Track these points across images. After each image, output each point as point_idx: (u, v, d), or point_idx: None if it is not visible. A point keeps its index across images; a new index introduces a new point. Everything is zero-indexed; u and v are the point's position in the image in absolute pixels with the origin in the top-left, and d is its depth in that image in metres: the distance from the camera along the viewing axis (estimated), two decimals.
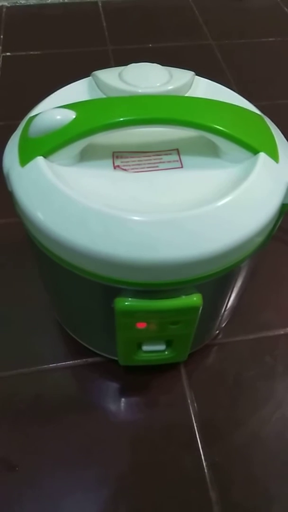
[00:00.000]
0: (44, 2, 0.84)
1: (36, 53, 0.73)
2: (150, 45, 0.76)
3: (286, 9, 0.86)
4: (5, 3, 0.83)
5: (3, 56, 0.72)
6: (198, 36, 0.78)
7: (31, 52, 0.73)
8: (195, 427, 0.35)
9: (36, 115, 0.26)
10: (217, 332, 0.40)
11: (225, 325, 0.40)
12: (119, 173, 0.27)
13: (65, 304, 0.34)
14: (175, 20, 0.82)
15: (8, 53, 0.72)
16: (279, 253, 0.47)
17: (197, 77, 0.31)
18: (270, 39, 0.79)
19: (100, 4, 0.85)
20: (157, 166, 0.27)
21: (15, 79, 0.68)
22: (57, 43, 0.75)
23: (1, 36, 0.76)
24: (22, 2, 0.84)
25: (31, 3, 0.84)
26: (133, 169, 0.27)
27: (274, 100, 0.66)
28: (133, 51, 0.74)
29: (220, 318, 0.36)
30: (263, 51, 0.76)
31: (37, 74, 0.68)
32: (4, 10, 0.82)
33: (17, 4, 0.84)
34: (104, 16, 0.82)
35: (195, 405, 0.36)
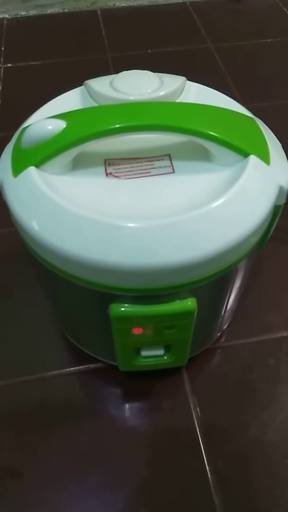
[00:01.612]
0: (44, 12, 0.86)
1: (36, 63, 0.74)
2: (149, 51, 0.76)
3: (286, 9, 0.86)
4: (6, 15, 0.84)
5: (4, 67, 0.73)
6: (197, 39, 0.78)
7: (32, 63, 0.74)
8: (198, 431, 0.35)
9: (28, 126, 0.27)
10: (219, 334, 0.40)
11: (227, 327, 0.40)
12: (111, 180, 0.27)
13: (63, 311, 0.34)
14: (173, 24, 0.82)
15: (9, 64, 0.74)
16: (281, 254, 0.47)
17: (188, 82, 0.31)
18: (269, 40, 0.79)
19: (99, 13, 0.86)
20: (149, 172, 0.27)
21: (16, 90, 0.69)
22: (57, 53, 0.76)
23: (2, 48, 0.77)
24: (23, 13, 0.85)
25: (31, 14, 0.85)
26: (125, 175, 0.27)
27: (274, 101, 0.65)
28: (133, 58, 0.75)
29: (219, 321, 0.35)
30: (263, 52, 0.76)
31: (38, 85, 0.69)
32: (5, 22, 0.83)
33: (18, 16, 0.85)
34: (103, 24, 0.83)
35: (198, 409, 0.36)
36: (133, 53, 0.76)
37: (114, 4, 0.87)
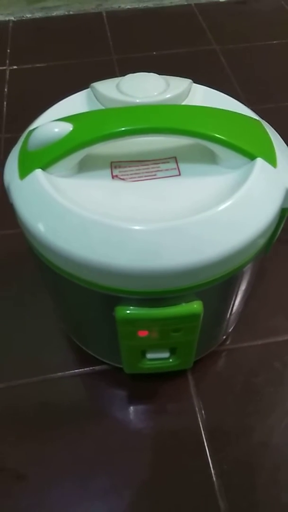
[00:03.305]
0: (49, 15, 0.86)
1: (42, 65, 0.74)
2: (155, 52, 0.76)
3: None
4: (12, 18, 0.85)
5: (10, 69, 0.73)
6: (202, 41, 0.78)
7: (37, 65, 0.74)
8: (203, 435, 0.35)
9: (35, 128, 0.27)
10: (224, 337, 0.40)
11: (232, 330, 0.40)
12: (117, 183, 0.27)
13: (68, 312, 0.34)
14: (178, 26, 0.82)
15: (15, 67, 0.74)
16: (286, 257, 0.47)
17: (194, 84, 0.31)
18: (275, 41, 0.78)
19: (104, 14, 0.86)
20: (155, 175, 0.27)
21: (21, 91, 0.69)
22: (62, 55, 0.76)
23: (8, 50, 0.77)
24: (28, 16, 0.86)
25: (37, 17, 0.86)
26: (131, 178, 0.27)
27: (280, 103, 0.65)
28: (138, 60, 0.75)
29: (225, 323, 0.35)
30: (268, 54, 0.76)
31: (44, 86, 0.69)
32: (10, 24, 0.84)
33: (23, 18, 0.85)
34: (108, 26, 0.83)
35: (203, 412, 0.36)
36: (138, 55, 0.76)
37: (119, 6, 0.87)
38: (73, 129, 0.25)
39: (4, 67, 0.73)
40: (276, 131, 0.29)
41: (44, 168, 0.25)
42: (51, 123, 0.26)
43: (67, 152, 0.25)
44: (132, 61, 0.74)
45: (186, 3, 0.88)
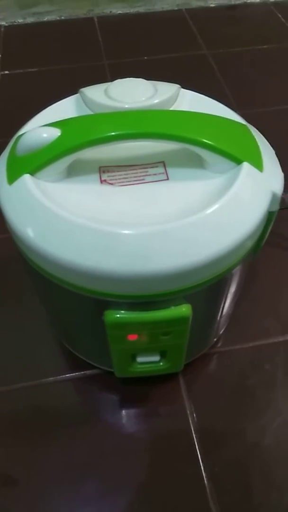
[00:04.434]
0: (41, 20, 0.86)
1: (33, 70, 0.75)
2: (146, 57, 0.77)
3: (280, 16, 0.87)
4: (3, 23, 0.85)
5: (1, 74, 0.73)
6: (193, 46, 0.79)
7: (29, 70, 0.75)
8: (195, 437, 0.35)
9: (23, 134, 0.27)
10: (215, 340, 0.40)
11: (224, 333, 0.40)
12: (106, 188, 0.27)
13: (58, 317, 0.35)
14: (169, 31, 0.83)
15: (6, 72, 0.74)
16: (277, 259, 0.47)
17: (182, 89, 0.32)
18: (265, 46, 0.79)
19: (95, 19, 0.86)
20: (143, 179, 0.27)
21: (13, 97, 0.69)
22: (54, 60, 0.76)
23: (0, 55, 0.77)
24: (20, 21, 0.86)
25: (29, 22, 0.86)
26: (119, 183, 0.27)
27: (269, 107, 0.66)
28: (129, 64, 0.75)
29: (215, 326, 0.36)
30: (258, 58, 0.77)
31: (35, 92, 0.69)
32: (2, 29, 0.84)
33: (15, 23, 0.86)
34: (100, 31, 0.83)
35: (194, 415, 0.36)
36: (130, 59, 0.76)
37: (110, 11, 0.88)
38: (61, 135, 0.26)
39: None
40: (266, 135, 0.30)
41: (32, 173, 0.26)
42: (39, 128, 0.26)
43: (55, 157, 0.25)
44: (123, 66, 0.75)
45: (177, 8, 0.89)
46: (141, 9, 0.88)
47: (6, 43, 0.81)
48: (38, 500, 0.33)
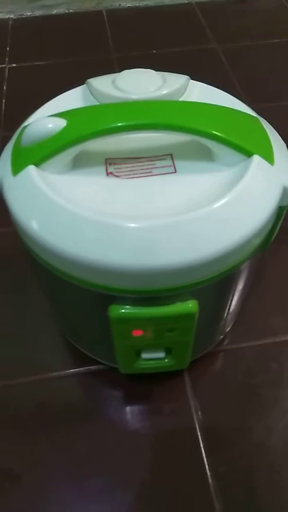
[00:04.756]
0: (49, 13, 0.86)
1: (41, 63, 0.74)
2: (155, 51, 0.76)
3: None
4: (11, 16, 0.85)
5: (9, 67, 0.73)
6: (202, 40, 0.78)
7: (37, 63, 0.74)
8: (199, 436, 0.35)
9: (28, 124, 0.26)
10: (222, 337, 0.39)
11: (230, 330, 0.40)
12: (112, 180, 0.26)
13: (63, 312, 0.34)
14: (179, 25, 0.82)
15: (14, 65, 0.73)
16: (286, 256, 0.46)
17: (192, 81, 0.31)
18: (276, 40, 0.78)
19: (104, 13, 0.85)
20: (150, 172, 0.27)
21: (21, 90, 0.68)
22: (62, 53, 0.76)
23: (7, 48, 0.77)
24: (28, 14, 0.85)
25: (37, 15, 0.85)
26: (126, 175, 0.27)
27: (279, 101, 0.65)
28: (138, 58, 0.74)
29: (222, 323, 0.35)
30: (268, 52, 0.75)
31: (43, 85, 0.68)
32: (10, 22, 0.83)
33: (23, 16, 0.85)
34: (109, 25, 0.82)
35: (199, 413, 0.36)
36: (138, 53, 0.75)
37: (119, 5, 0.87)
38: (66, 125, 0.25)
39: (4, 65, 0.73)
40: (276, 129, 0.29)
41: (37, 164, 0.25)
42: (44, 119, 0.26)
43: (61, 148, 0.25)
44: (132, 60, 0.74)
45: (186, 2, 0.88)
46: (150, 3, 0.87)
47: (14, 36, 0.80)
48: (40, 496, 0.32)
